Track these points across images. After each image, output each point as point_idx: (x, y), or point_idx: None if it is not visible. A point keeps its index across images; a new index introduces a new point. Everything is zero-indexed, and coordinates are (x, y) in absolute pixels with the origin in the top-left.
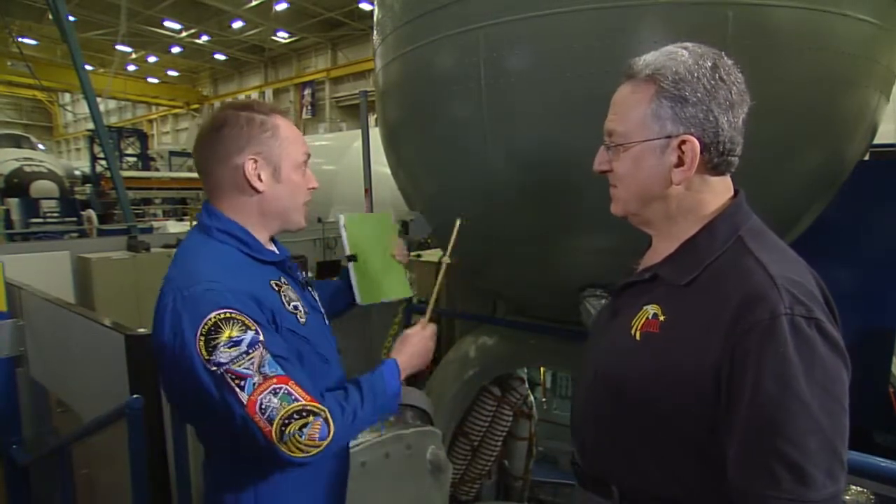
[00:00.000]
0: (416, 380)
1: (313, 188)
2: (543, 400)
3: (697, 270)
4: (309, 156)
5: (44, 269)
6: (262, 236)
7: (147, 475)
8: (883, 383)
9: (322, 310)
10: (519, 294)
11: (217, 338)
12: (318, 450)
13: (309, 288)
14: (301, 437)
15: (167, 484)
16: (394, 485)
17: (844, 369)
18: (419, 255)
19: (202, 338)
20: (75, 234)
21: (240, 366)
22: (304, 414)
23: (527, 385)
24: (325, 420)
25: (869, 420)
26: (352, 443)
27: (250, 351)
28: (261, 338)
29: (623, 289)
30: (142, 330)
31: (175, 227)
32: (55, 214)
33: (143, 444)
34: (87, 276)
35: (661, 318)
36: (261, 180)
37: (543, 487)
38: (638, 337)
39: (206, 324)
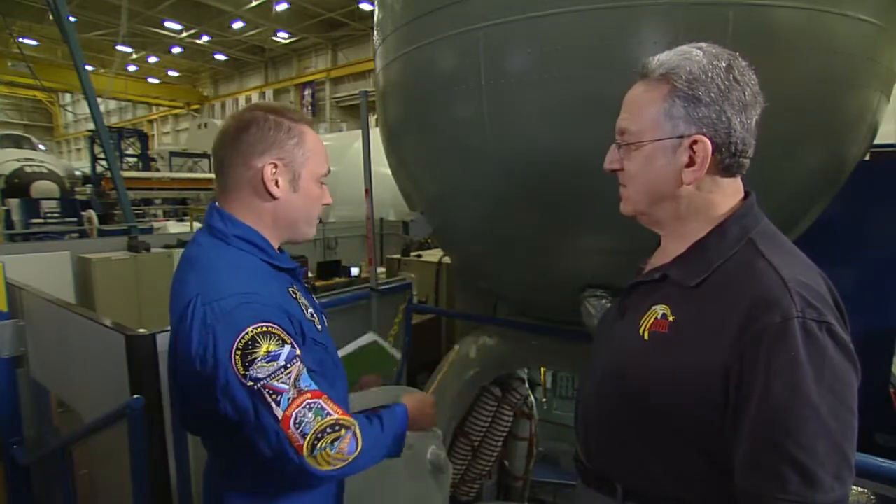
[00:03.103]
0: (417, 380)
1: (327, 204)
2: (544, 400)
3: (707, 272)
4: (329, 172)
5: (44, 270)
6: (274, 243)
7: (147, 475)
8: (883, 384)
9: (323, 311)
10: (520, 294)
11: (254, 352)
12: (346, 463)
13: (314, 292)
14: (332, 450)
15: (168, 484)
16: (394, 485)
17: (854, 373)
18: (419, 255)
19: (238, 352)
20: (76, 235)
21: (278, 380)
22: (337, 428)
23: (527, 385)
24: (355, 434)
25: (869, 420)
26: None
27: (288, 365)
28: (297, 352)
29: (631, 289)
30: (142, 330)
31: (175, 227)
32: (56, 215)
33: (143, 444)
34: (87, 276)
35: (671, 318)
36: (278, 186)
37: (544, 488)
38: (646, 337)
39: (242, 338)
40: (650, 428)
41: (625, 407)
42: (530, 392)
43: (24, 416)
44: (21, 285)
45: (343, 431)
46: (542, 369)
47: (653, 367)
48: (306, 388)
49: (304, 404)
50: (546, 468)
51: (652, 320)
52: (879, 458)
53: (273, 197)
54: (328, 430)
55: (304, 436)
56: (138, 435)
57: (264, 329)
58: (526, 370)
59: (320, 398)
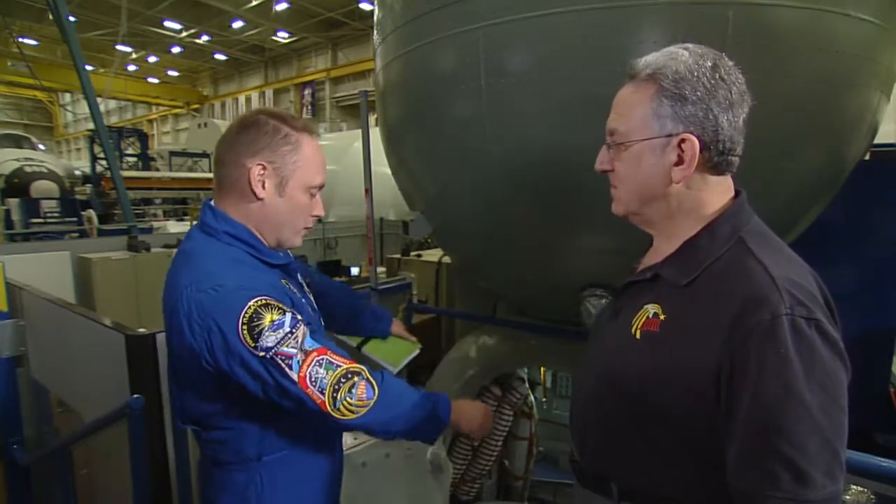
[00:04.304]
0: (417, 379)
1: (317, 216)
2: (544, 400)
3: (698, 271)
4: (322, 185)
5: (44, 270)
6: (264, 241)
7: (148, 475)
8: (883, 383)
9: (319, 313)
10: (519, 294)
11: (260, 323)
12: (367, 409)
13: (308, 290)
14: (352, 398)
15: (168, 483)
16: (394, 485)
17: (844, 370)
18: (419, 255)
19: (244, 327)
20: (76, 235)
21: (287, 346)
22: (349, 376)
23: (527, 385)
24: (367, 379)
25: (869, 420)
26: (352, 442)
27: (294, 331)
28: (299, 317)
29: (624, 288)
30: (142, 330)
31: (175, 227)
32: (55, 214)
33: (143, 443)
34: (87, 276)
35: (662, 317)
36: (264, 188)
37: (544, 487)
38: (638, 336)
39: (245, 312)
40: (645, 427)
41: (620, 407)
42: (530, 391)
43: (24, 415)
44: (21, 285)
45: (355, 378)
46: (542, 369)
47: (645, 366)
48: (311, 348)
49: (314, 362)
50: (546, 467)
51: (644, 319)
52: (879, 458)
53: (257, 197)
54: (342, 379)
55: (322, 391)
56: (138, 434)
57: (264, 302)
58: (526, 370)
59: (326, 354)
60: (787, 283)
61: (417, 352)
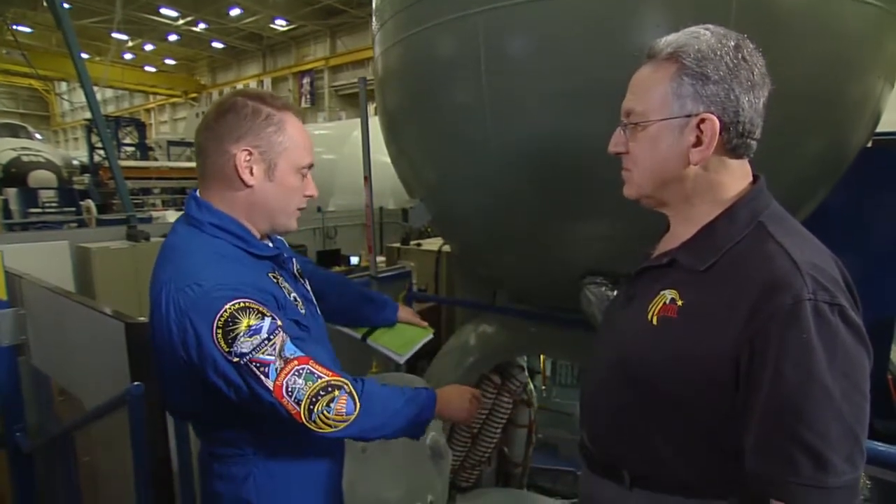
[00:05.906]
0: (417, 368)
1: (310, 196)
2: (543, 388)
3: (717, 255)
4: (312, 165)
5: (43, 260)
6: (254, 232)
7: (148, 461)
8: (881, 371)
9: (315, 302)
10: (519, 282)
11: (235, 328)
12: (347, 423)
13: (302, 279)
14: (329, 412)
15: (169, 470)
16: (394, 471)
17: (866, 356)
18: (419, 244)
19: (219, 330)
20: (74, 224)
21: (263, 353)
22: (329, 389)
23: (527, 373)
24: (350, 393)
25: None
26: None
27: (272, 337)
28: (279, 322)
29: (639, 274)
30: (142, 318)
31: (174, 216)
32: (54, 204)
33: (144, 430)
34: (86, 265)
35: (680, 302)
36: (252, 174)
37: (543, 474)
38: (655, 322)
39: (221, 316)
40: (659, 414)
41: (633, 393)
42: (530, 380)
43: (27, 403)
44: (21, 273)
45: (336, 392)
46: (542, 357)
47: (662, 352)
48: (292, 356)
49: (292, 372)
50: (546, 455)
51: (661, 305)
52: (877, 443)
53: (246, 185)
54: (321, 392)
55: (298, 402)
56: (138, 421)
57: (242, 305)
58: (525, 358)
59: (308, 363)
60: (810, 266)
61: (430, 336)
